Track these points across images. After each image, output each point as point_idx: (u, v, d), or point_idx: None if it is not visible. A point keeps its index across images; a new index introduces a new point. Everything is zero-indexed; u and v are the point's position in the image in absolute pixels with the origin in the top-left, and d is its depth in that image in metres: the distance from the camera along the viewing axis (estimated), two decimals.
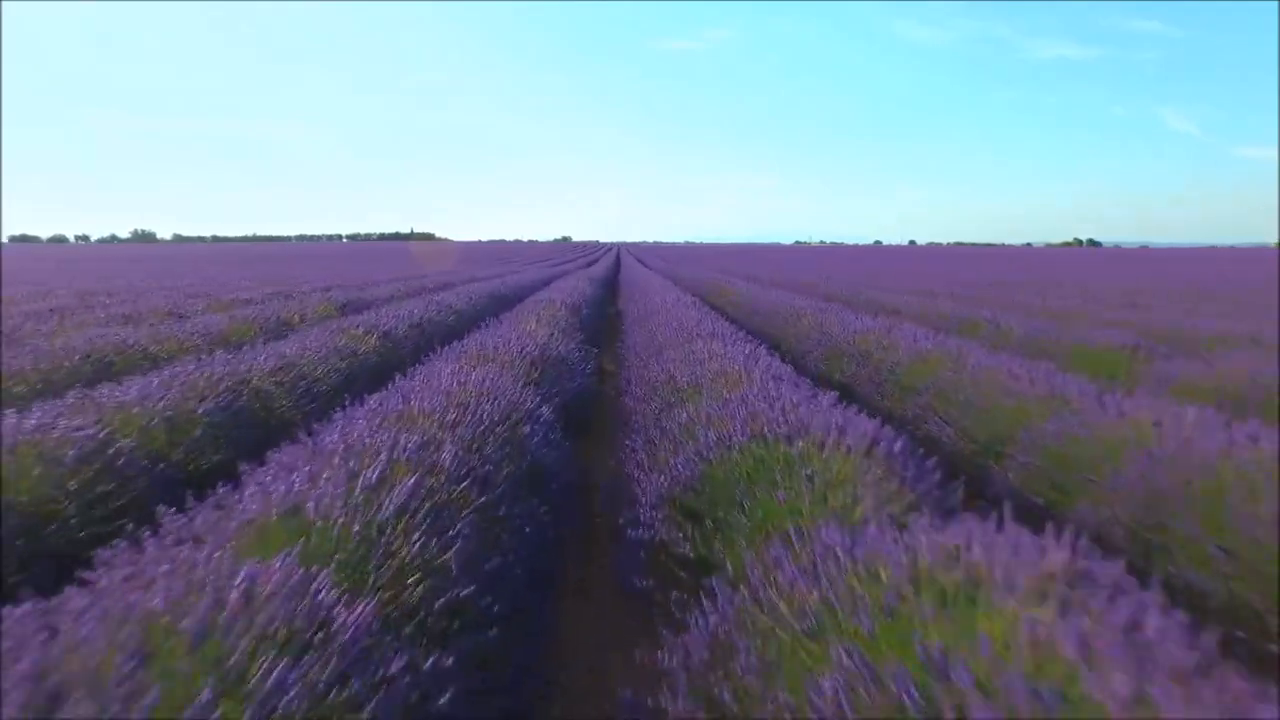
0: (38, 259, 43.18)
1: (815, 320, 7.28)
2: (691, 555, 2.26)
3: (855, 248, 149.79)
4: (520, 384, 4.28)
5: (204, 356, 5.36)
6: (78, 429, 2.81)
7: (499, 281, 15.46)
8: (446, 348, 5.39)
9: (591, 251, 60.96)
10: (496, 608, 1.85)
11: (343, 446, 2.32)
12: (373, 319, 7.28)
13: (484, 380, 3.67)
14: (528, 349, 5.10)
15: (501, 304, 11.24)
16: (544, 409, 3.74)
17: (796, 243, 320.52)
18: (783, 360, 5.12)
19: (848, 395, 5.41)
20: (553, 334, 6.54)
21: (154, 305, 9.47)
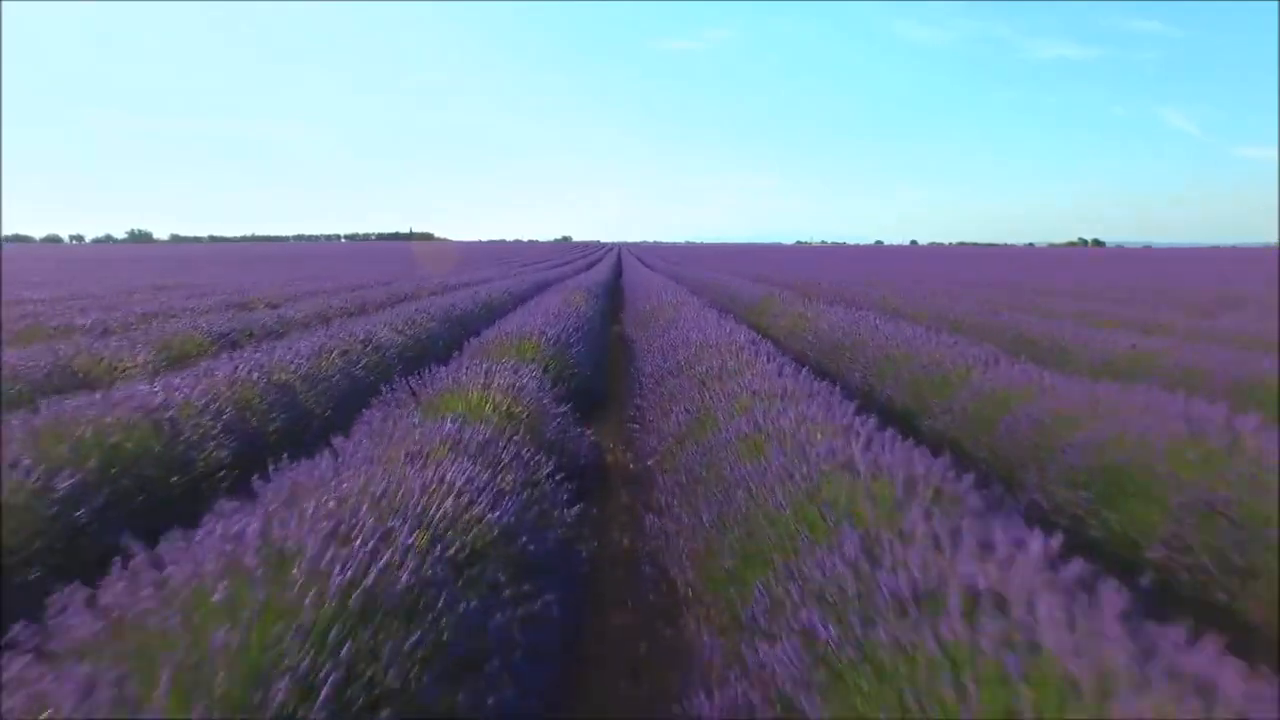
0: (10, 260, 39.69)
1: (1021, 404, 3.88)
2: None
3: (858, 248, 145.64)
4: None
5: None
6: None
7: (473, 293, 12.10)
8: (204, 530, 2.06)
9: (591, 252, 57.50)
10: None
11: None
12: (169, 387, 3.93)
13: None
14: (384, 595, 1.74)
15: (457, 333, 7.89)
16: None
17: (798, 243, 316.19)
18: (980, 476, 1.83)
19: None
20: (501, 454, 3.16)
21: None
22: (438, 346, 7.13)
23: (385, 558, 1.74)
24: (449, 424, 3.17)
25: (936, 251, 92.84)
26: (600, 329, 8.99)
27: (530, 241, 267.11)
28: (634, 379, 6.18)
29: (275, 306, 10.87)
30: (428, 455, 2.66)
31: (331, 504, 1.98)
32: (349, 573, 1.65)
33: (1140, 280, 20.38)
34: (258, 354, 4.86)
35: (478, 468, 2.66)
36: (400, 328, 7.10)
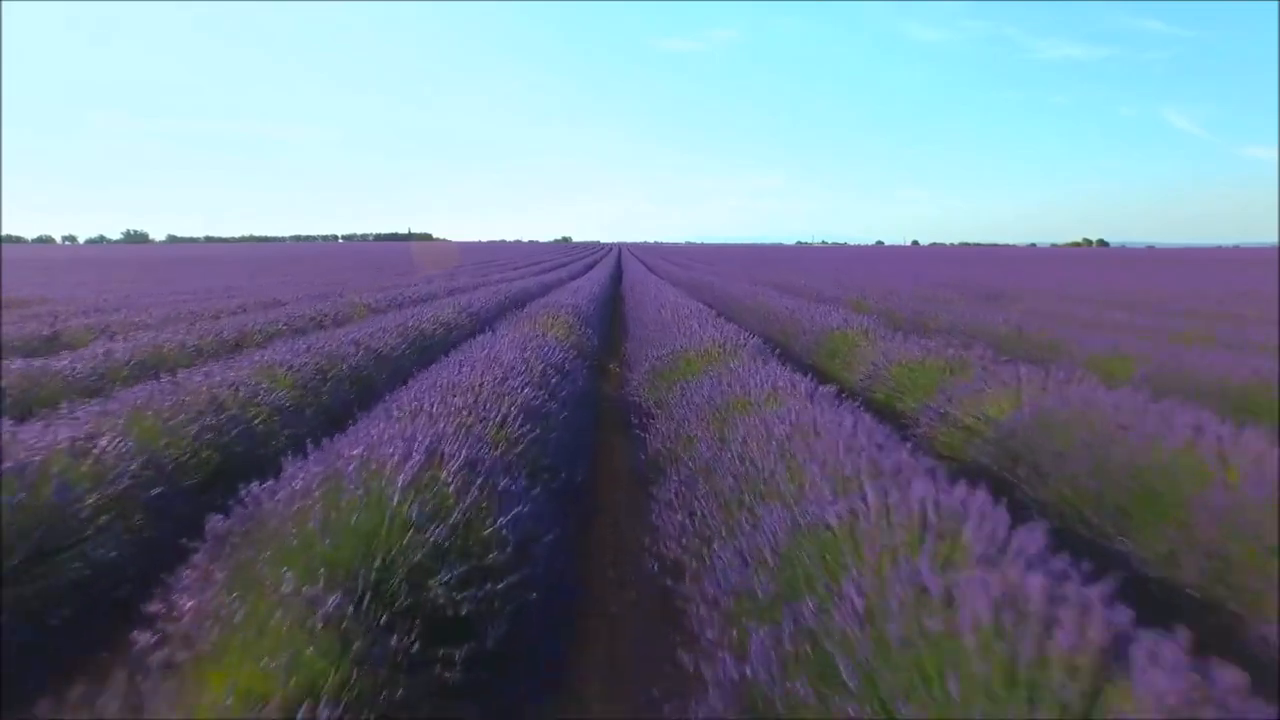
0: None
1: None
2: None
3: (863, 248, 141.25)
4: None
5: None
6: None
7: (406, 319, 8.45)
8: None
9: (590, 253, 53.83)
10: None
11: None
12: None
13: None
14: None
15: (346, 396, 4.28)
16: None
17: (798, 243, 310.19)
18: None
19: None
20: None
21: None
22: (242, 467, 3.45)
23: None
24: None
25: (948, 253, 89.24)
26: (585, 393, 5.34)
27: (530, 242, 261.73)
28: (658, 575, 2.57)
29: (111, 338, 7.29)
30: None
31: None
32: None
33: (1206, 287, 16.85)
34: None
35: None
36: (175, 413, 3.43)
